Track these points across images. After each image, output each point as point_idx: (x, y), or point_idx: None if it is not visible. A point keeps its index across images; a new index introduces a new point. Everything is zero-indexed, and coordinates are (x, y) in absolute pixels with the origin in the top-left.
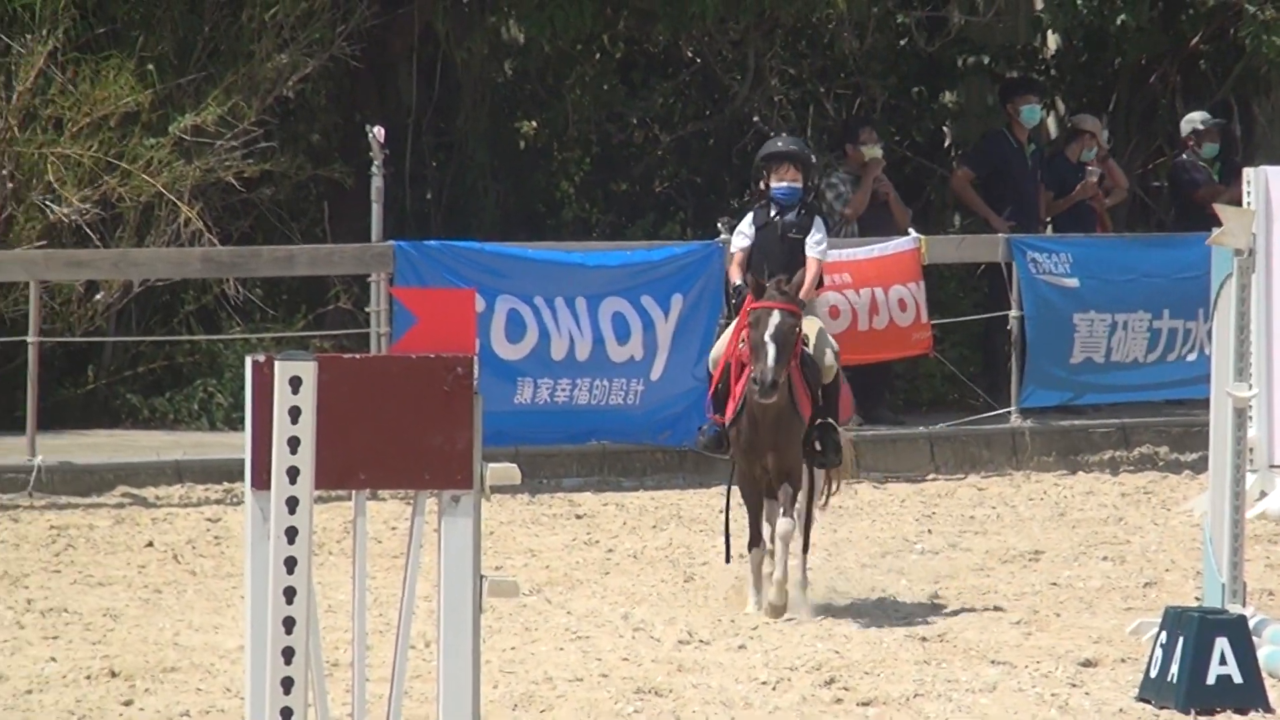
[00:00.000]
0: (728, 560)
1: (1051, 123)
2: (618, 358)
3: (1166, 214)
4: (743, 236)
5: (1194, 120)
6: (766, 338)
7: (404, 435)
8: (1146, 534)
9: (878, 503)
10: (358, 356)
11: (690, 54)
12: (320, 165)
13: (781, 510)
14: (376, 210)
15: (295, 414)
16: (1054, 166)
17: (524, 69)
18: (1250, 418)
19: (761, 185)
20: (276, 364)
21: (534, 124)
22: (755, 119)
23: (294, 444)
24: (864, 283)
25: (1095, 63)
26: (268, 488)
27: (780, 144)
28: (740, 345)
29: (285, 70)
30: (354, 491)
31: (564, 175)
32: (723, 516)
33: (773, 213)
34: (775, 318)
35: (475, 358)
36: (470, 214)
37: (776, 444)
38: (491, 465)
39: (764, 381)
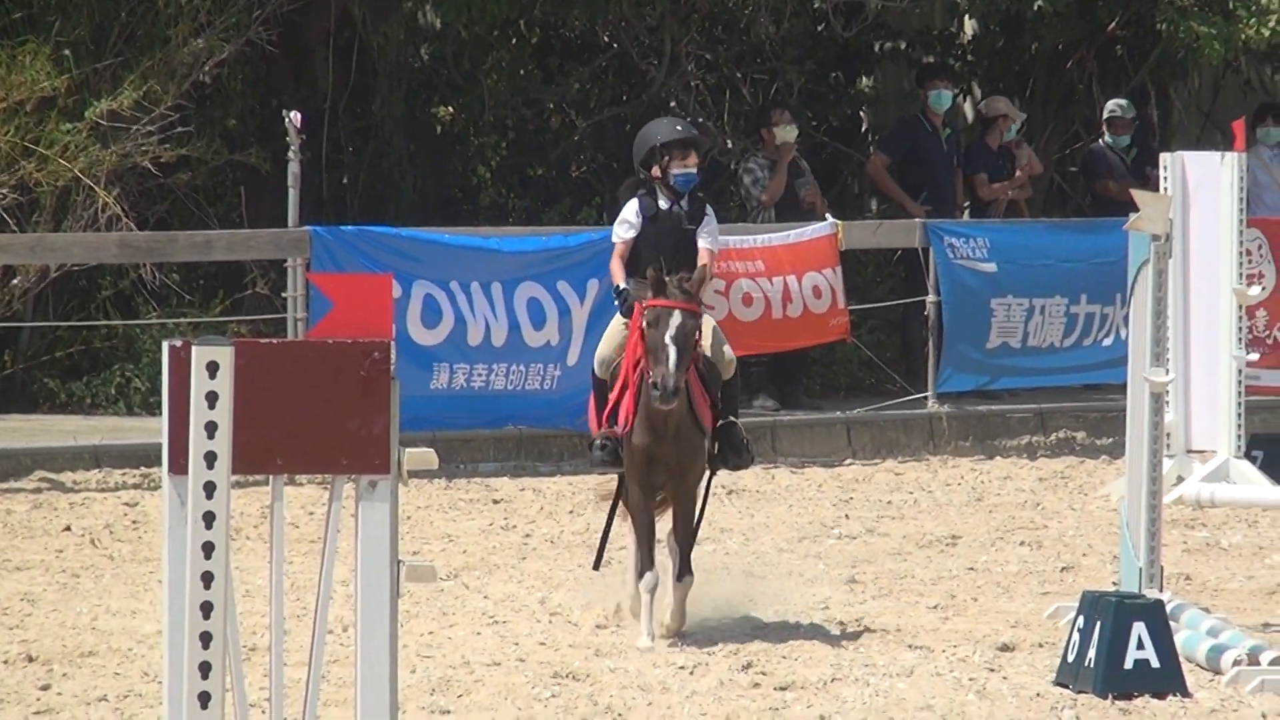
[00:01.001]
0: (596, 567)
1: (969, 108)
2: (534, 343)
3: (1083, 199)
4: (627, 226)
5: (1115, 107)
6: (668, 339)
7: (321, 420)
8: (1064, 519)
9: (795, 487)
10: (275, 341)
11: (607, 39)
12: (237, 150)
13: (676, 571)
14: (293, 195)
15: (212, 399)
16: (973, 153)
17: (440, 54)
18: (1167, 403)
19: (655, 171)
20: (193, 349)
21: (450, 109)
22: (672, 104)
23: (211, 429)
24: (778, 270)
25: (1012, 48)
26: (185, 473)
27: (680, 129)
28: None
29: (201, 55)
30: (271, 476)
31: (480, 160)
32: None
33: (663, 202)
34: (676, 318)
35: (392, 343)
36: (386, 199)
37: (679, 459)
38: (408, 450)
39: (666, 387)
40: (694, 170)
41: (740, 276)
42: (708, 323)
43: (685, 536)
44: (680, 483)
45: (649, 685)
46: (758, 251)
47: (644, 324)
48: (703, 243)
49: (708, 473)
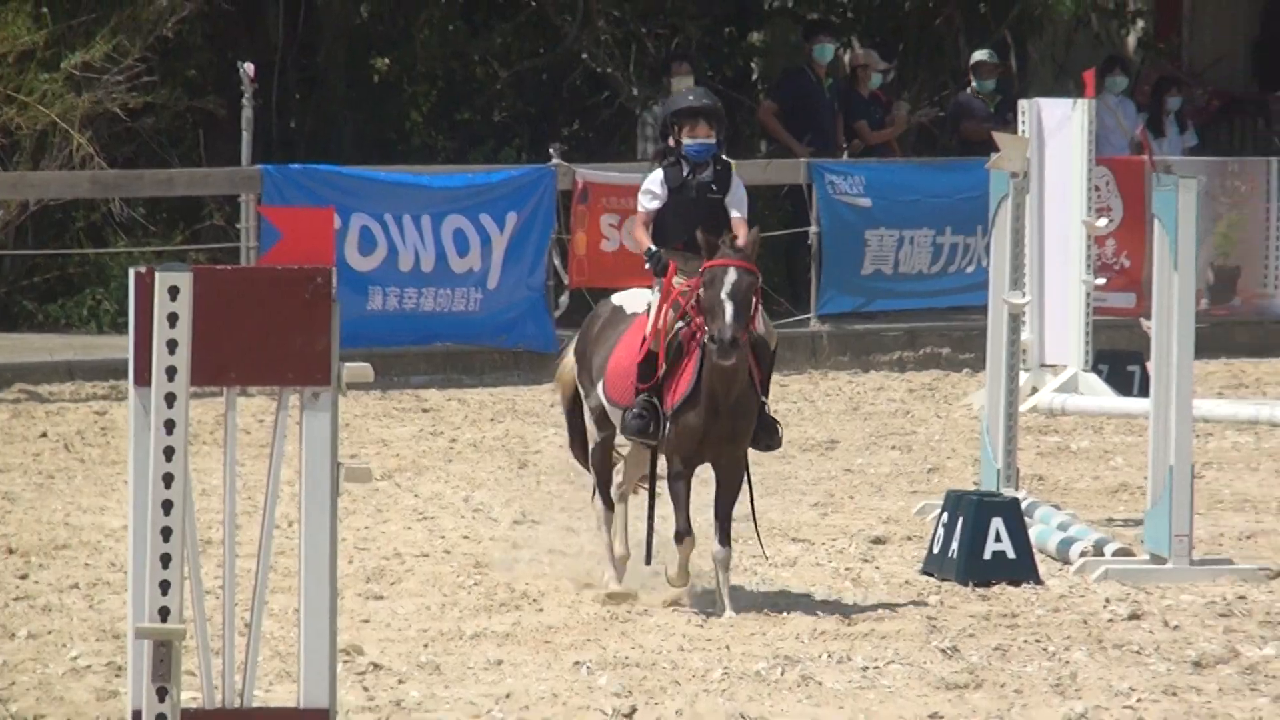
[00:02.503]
0: (648, 562)
1: (848, 60)
2: (459, 269)
3: (949, 142)
4: (651, 197)
5: (981, 55)
6: (724, 295)
7: (270, 338)
8: (931, 426)
9: None
10: (229, 268)
11: None
12: (196, 97)
13: (719, 535)
14: (246, 138)
15: (173, 319)
16: (850, 100)
17: (378, 11)
18: (1024, 322)
19: (670, 142)
20: (157, 275)
21: (387, 61)
22: (584, 56)
23: (172, 346)
24: None
25: (887, 6)
26: (149, 385)
27: (691, 99)
28: (671, 318)
29: (165, 12)
30: (225, 388)
31: (413, 106)
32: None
33: (685, 171)
34: (732, 275)
35: (333, 269)
36: (329, 141)
37: (734, 429)
38: (347, 364)
39: (723, 339)
40: (707, 140)
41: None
42: None
43: (728, 505)
44: (733, 451)
45: (560, 575)
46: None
47: (701, 286)
48: (734, 212)
49: None
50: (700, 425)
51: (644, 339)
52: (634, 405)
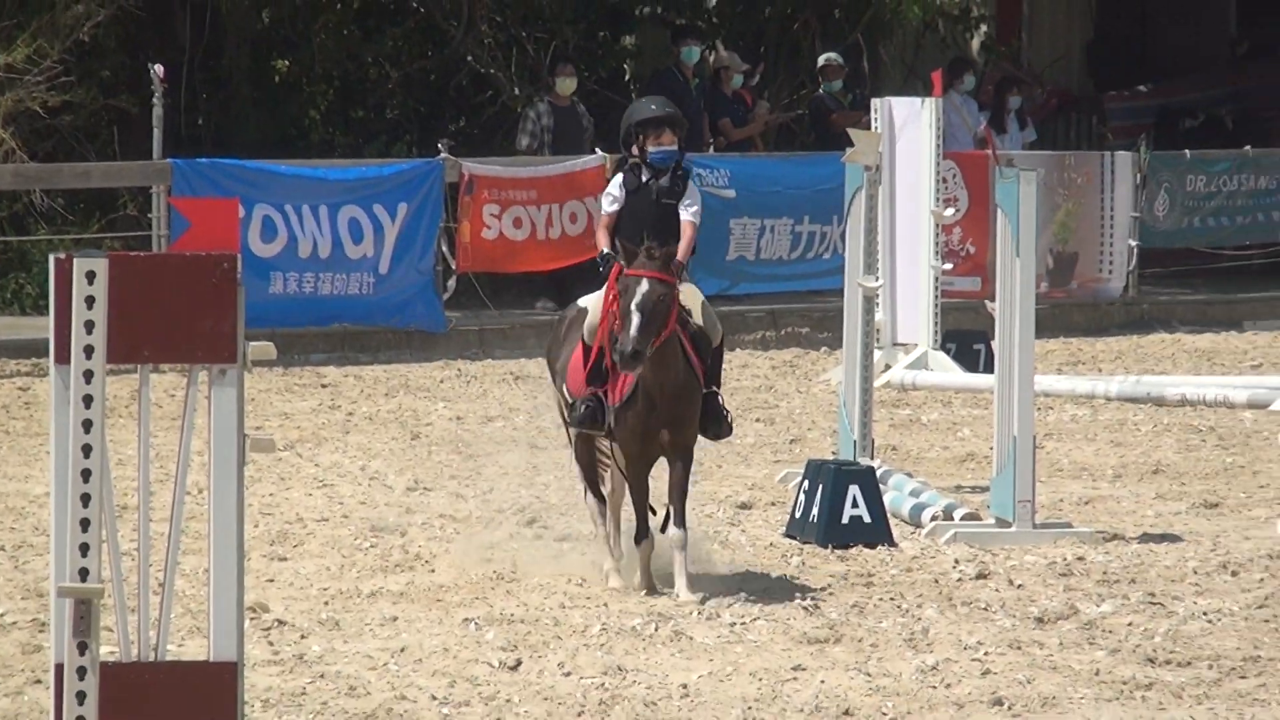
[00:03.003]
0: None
1: (713, 62)
2: (354, 255)
3: (808, 138)
4: (611, 199)
5: (827, 57)
6: (632, 306)
7: (180, 319)
8: (792, 400)
9: None
10: (142, 255)
11: (415, 4)
12: (110, 96)
13: (673, 518)
14: (157, 134)
15: (90, 302)
16: (714, 99)
17: (279, 16)
18: (877, 304)
19: (634, 149)
20: (75, 260)
21: (287, 62)
22: (469, 58)
23: (89, 326)
24: (548, 199)
25: (750, 11)
26: (68, 362)
27: (655, 108)
28: (613, 320)
29: (81, 17)
30: (139, 365)
31: (311, 105)
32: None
33: (645, 176)
34: (643, 286)
35: (238, 256)
36: (234, 137)
37: (678, 418)
38: (252, 343)
39: (624, 351)
40: (669, 148)
41: (514, 204)
42: (695, 294)
43: (680, 491)
44: (676, 439)
45: (450, 538)
46: (531, 181)
47: (618, 295)
48: (685, 215)
49: None
50: (640, 424)
51: (596, 339)
52: (582, 398)
